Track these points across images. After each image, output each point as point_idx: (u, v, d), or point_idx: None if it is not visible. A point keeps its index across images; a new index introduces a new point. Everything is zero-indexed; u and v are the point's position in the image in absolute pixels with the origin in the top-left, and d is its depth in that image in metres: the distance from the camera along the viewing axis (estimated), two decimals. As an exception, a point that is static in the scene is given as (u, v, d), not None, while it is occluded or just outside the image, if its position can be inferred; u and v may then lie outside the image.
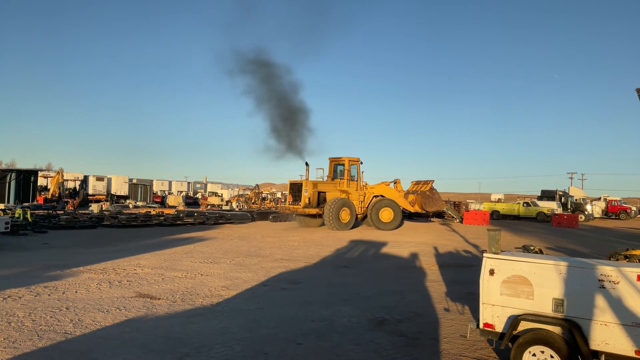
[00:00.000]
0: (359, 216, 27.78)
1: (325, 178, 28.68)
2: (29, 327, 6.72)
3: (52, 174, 48.66)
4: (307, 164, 28.05)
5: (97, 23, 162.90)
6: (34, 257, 13.27)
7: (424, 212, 31.28)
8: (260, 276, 11.38)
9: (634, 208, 56.39)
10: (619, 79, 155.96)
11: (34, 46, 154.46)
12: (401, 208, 28.47)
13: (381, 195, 28.44)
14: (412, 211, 30.75)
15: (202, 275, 11.28)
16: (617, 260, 8.58)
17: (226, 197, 64.38)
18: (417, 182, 32.44)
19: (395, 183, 29.90)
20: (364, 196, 28.12)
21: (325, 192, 27.48)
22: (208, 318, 7.49)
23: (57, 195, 41.20)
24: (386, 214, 27.17)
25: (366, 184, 28.75)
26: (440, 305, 8.89)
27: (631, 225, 40.84)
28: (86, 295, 8.85)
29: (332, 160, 29.03)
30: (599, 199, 55.53)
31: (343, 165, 28.05)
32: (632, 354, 4.49)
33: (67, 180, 48.61)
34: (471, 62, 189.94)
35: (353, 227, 26.87)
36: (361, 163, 28.23)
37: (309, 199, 26.54)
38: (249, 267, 12.71)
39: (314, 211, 26.66)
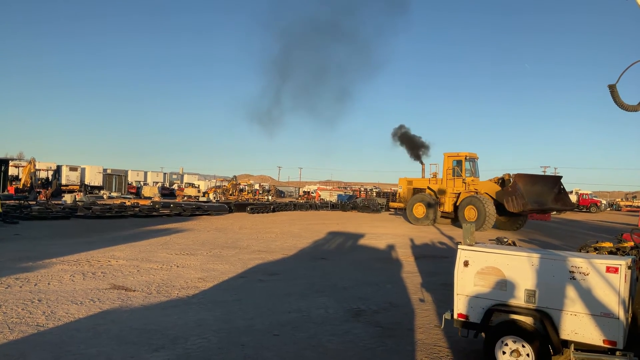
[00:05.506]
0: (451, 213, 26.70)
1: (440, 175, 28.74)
2: (-1, 319, 6.57)
3: (24, 164, 47.51)
4: (422, 163, 31.11)
5: (66, 9, 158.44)
6: (4, 248, 12.95)
7: (519, 212, 23.87)
8: (237, 268, 11.34)
9: (604, 201, 58.17)
10: (593, 73, 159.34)
11: (6, 37, 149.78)
12: (515, 209, 23.52)
13: (475, 192, 25.80)
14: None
15: (178, 267, 11.19)
16: (588, 252, 8.81)
17: (203, 188, 63.76)
18: (544, 177, 26.68)
19: (504, 179, 25.92)
20: (459, 193, 26.45)
21: (424, 189, 28.78)
22: (184, 310, 7.44)
23: (28, 185, 40.24)
24: (471, 213, 24.73)
25: (465, 180, 26.58)
26: (415, 296, 9.01)
27: (601, 218, 41.97)
28: (59, 287, 8.69)
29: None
30: (571, 192, 56.93)
31: (456, 161, 27.11)
32: (600, 343, 4.62)
33: (40, 170, 47.47)
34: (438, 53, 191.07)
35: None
36: (467, 159, 26.74)
37: (398, 194, 31.28)
38: (225, 258, 12.65)
39: (395, 205, 31.86)
